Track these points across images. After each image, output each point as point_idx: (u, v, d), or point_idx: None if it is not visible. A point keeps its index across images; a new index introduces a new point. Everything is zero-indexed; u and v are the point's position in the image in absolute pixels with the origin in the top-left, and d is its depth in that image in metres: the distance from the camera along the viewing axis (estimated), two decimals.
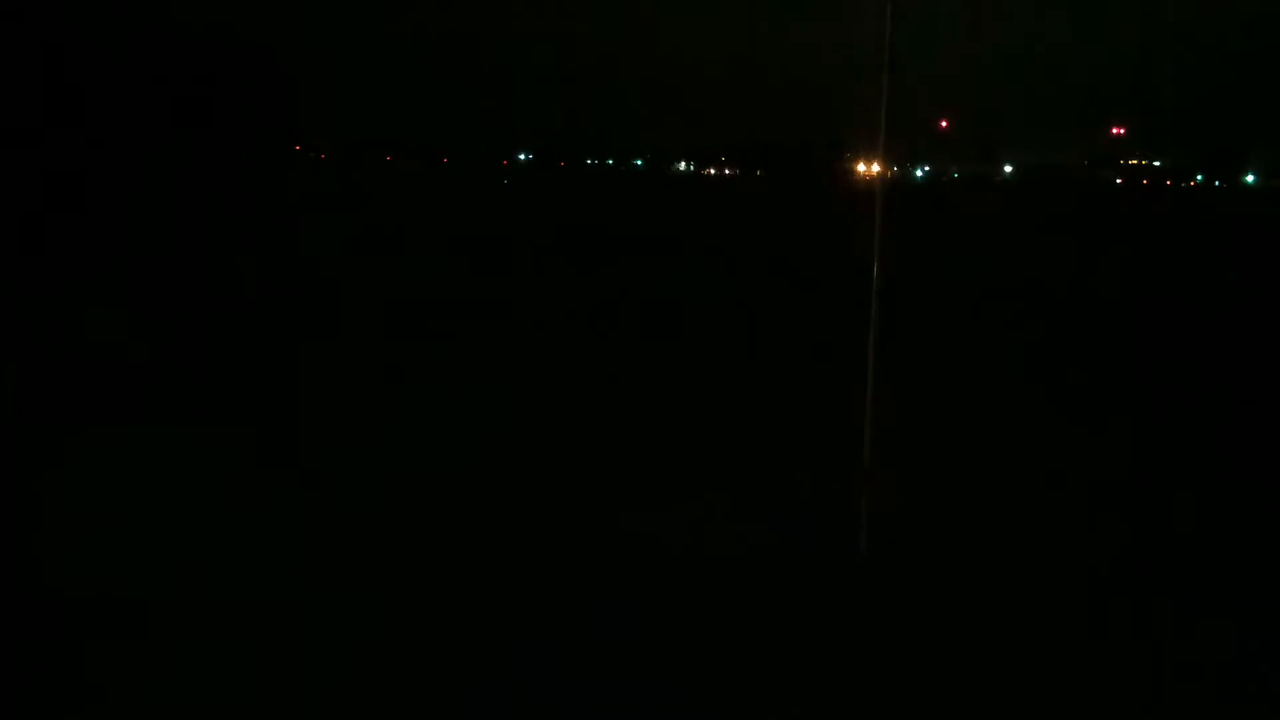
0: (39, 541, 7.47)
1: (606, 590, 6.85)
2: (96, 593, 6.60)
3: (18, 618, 6.33)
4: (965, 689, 5.78)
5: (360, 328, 16.56)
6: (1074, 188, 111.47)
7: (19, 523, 7.81)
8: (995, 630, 6.45)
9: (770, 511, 8.34)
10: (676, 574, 7.13)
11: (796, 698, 5.65)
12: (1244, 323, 19.93)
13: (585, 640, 6.15)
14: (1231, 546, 7.98)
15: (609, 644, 6.11)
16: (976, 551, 7.66)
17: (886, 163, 7.72)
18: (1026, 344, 16.94)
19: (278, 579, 6.87)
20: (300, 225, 35.30)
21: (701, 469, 9.42)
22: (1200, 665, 6.11)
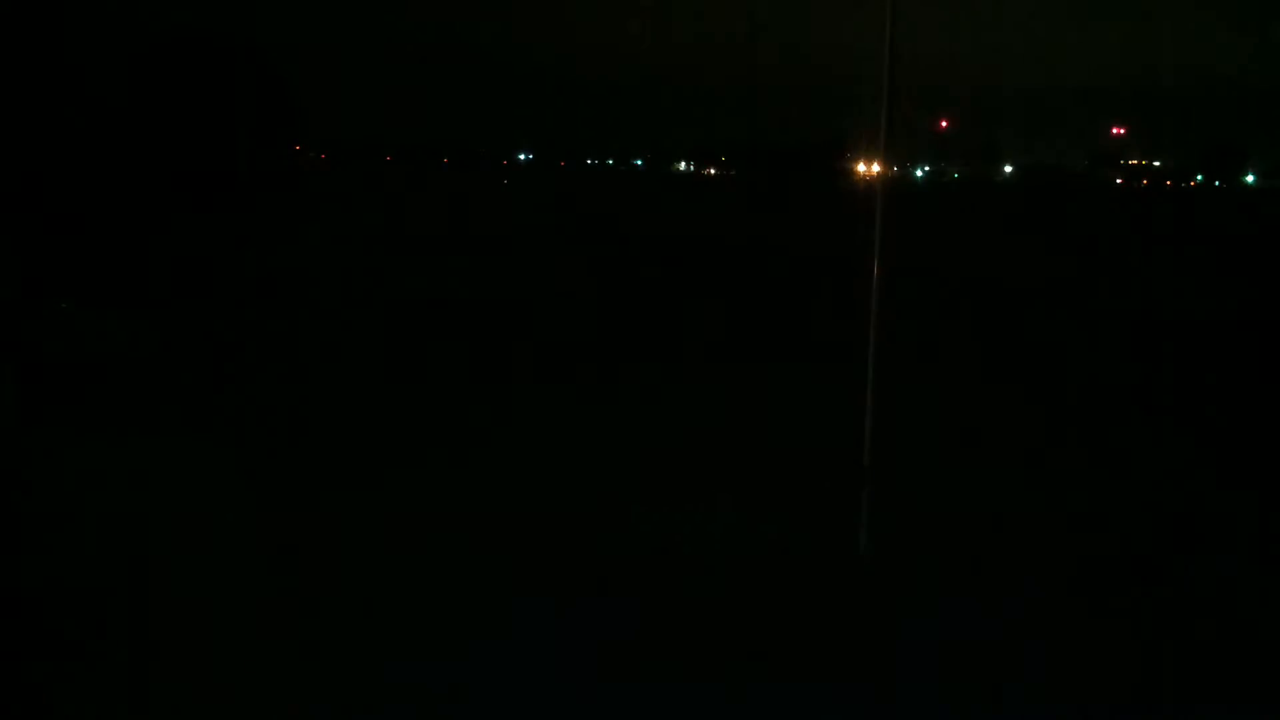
0: (37, 539, 7.49)
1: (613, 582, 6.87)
2: (93, 589, 6.62)
3: (16, 614, 6.34)
4: (959, 686, 5.80)
5: (360, 326, 16.58)
6: (1075, 188, 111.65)
7: (18, 521, 7.82)
8: (992, 630, 6.47)
9: (772, 510, 8.35)
10: (681, 570, 7.15)
11: (795, 693, 5.67)
12: (1245, 324, 19.96)
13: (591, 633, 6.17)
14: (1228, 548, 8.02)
15: (613, 637, 6.13)
16: (975, 551, 7.68)
17: (887, 163, 7.73)
18: (1025, 344, 16.97)
19: (279, 574, 6.89)
20: (299, 226, 35.31)
21: (705, 464, 9.44)
22: (1197, 665, 6.13)
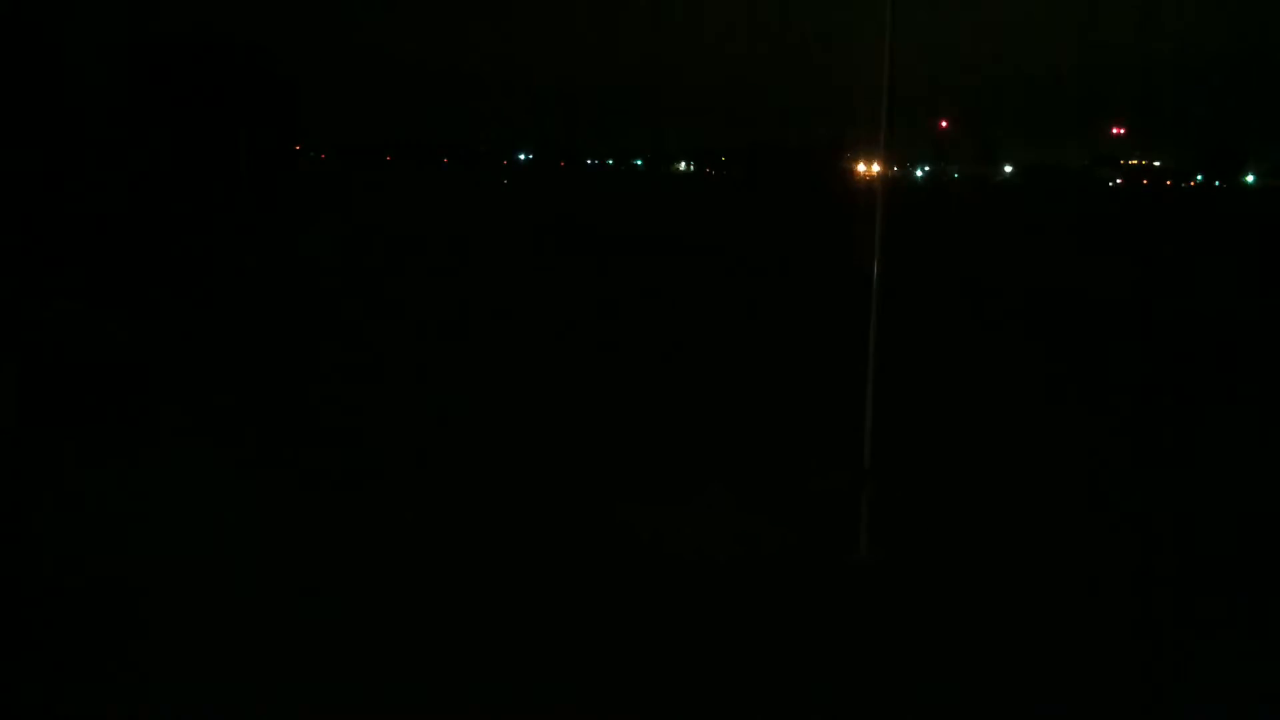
0: (38, 540, 7.48)
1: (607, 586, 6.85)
2: (93, 589, 6.61)
3: (17, 614, 6.34)
4: (961, 690, 5.79)
5: (362, 325, 16.57)
6: (1074, 188, 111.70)
7: (18, 522, 7.82)
8: (993, 633, 6.46)
9: (771, 510, 8.34)
10: (678, 572, 7.13)
11: (794, 697, 5.66)
12: (1246, 323, 19.95)
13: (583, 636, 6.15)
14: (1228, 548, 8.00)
15: (607, 639, 6.12)
16: (976, 553, 7.66)
17: (887, 163, 7.72)
18: (1024, 344, 16.96)
19: (274, 569, 6.88)
20: (299, 224, 35.32)
21: (703, 465, 9.42)
22: (1198, 667, 6.11)
